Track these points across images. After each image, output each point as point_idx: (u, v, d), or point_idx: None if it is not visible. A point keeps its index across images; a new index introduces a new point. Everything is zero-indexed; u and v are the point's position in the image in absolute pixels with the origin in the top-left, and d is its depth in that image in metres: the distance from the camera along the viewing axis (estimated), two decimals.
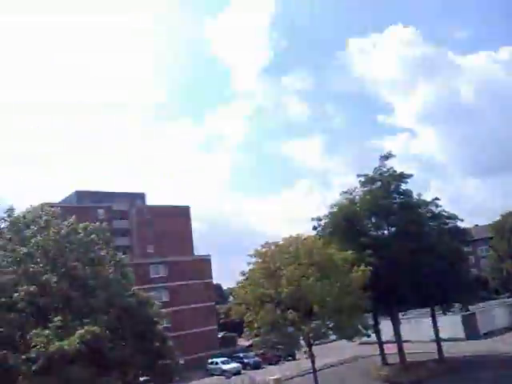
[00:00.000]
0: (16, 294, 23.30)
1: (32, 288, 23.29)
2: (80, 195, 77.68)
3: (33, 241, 25.94)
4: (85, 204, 73.45)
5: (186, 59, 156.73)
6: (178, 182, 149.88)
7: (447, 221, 43.17)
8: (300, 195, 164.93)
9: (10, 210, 28.22)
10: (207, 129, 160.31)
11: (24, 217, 28.14)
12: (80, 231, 27.65)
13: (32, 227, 27.58)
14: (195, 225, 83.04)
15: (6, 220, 27.91)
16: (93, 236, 27.66)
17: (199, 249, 79.23)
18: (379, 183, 43.49)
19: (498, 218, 73.41)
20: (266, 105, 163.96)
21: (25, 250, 25.56)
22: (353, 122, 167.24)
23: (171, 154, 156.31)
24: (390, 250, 38.51)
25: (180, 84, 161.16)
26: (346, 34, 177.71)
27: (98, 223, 29.75)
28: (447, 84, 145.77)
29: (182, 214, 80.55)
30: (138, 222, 77.73)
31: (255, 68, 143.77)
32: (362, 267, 32.92)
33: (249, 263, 35.27)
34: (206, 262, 66.40)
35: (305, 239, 35.18)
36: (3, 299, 23.51)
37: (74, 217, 28.62)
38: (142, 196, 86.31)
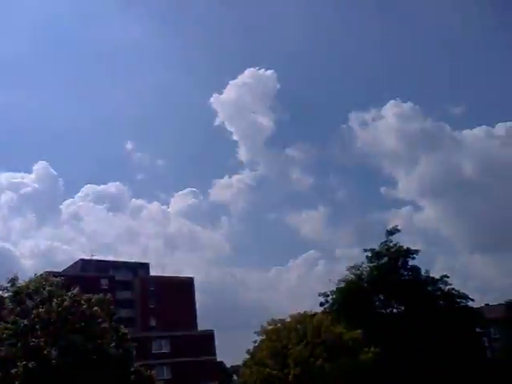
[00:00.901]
0: (14, 370, 22.47)
1: (31, 364, 22.50)
2: (85, 264, 77.21)
3: (34, 312, 25.41)
4: (89, 273, 72.77)
5: (192, 129, 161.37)
6: (181, 252, 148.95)
7: (458, 300, 42.19)
8: (304, 267, 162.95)
9: (14, 279, 27.91)
10: (211, 199, 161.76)
11: (27, 287, 27.77)
12: (83, 303, 27.14)
13: (35, 298, 27.17)
14: (198, 297, 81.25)
15: (9, 290, 27.54)
16: (96, 308, 27.12)
17: (202, 322, 77.23)
18: (386, 258, 43.14)
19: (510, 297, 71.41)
20: (269, 175, 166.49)
21: (26, 322, 24.98)
22: (356, 194, 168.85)
23: (175, 224, 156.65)
24: (400, 329, 37.36)
25: (184, 154, 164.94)
26: (347, 108, 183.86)
27: (101, 294, 29.34)
28: (448, 158, 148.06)
29: (185, 286, 79.29)
30: (142, 293, 76.48)
31: (259, 139, 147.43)
32: (372, 348, 31.73)
33: (254, 341, 34.18)
34: (209, 337, 64.47)
35: (312, 316, 34.22)
36: (1, 374, 22.65)
37: (77, 288, 28.23)
38: (146, 266, 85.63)
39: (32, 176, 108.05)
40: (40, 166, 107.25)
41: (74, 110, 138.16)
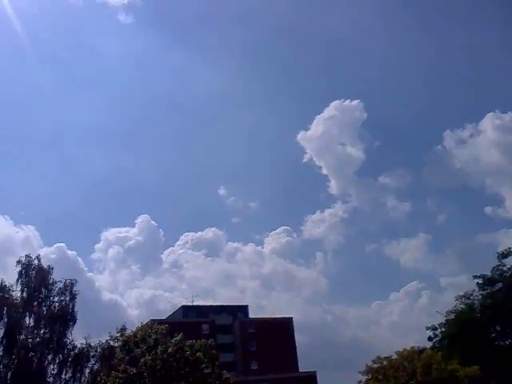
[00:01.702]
0: None
1: None
2: (186, 310, 79.51)
3: (142, 360, 26.40)
4: (190, 319, 74.67)
5: (281, 169, 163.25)
6: (278, 291, 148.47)
7: None
8: (407, 300, 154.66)
9: (122, 329, 29.40)
10: (304, 235, 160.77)
11: (135, 335, 29.05)
12: (187, 349, 27.78)
13: (141, 346, 28.28)
14: (298, 337, 79.79)
15: (118, 339, 28.97)
16: (199, 354, 27.62)
17: (303, 363, 75.52)
18: (500, 284, 39.51)
19: None
20: (363, 206, 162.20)
21: (134, 370, 25.99)
22: (458, 217, 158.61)
23: (270, 264, 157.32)
24: None
25: (275, 194, 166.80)
26: (440, 128, 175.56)
27: (203, 340, 29.88)
28: None
29: (285, 326, 78.39)
30: (241, 336, 76.80)
31: (349, 170, 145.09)
32: None
33: (359, 381, 32.67)
34: (311, 378, 62.74)
35: (420, 352, 32.17)
36: None
37: (181, 334, 29.03)
38: (244, 308, 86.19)
39: (135, 229, 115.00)
40: (142, 220, 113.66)
41: (167, 163, 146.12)
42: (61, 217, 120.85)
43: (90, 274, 78.04)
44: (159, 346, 27.08)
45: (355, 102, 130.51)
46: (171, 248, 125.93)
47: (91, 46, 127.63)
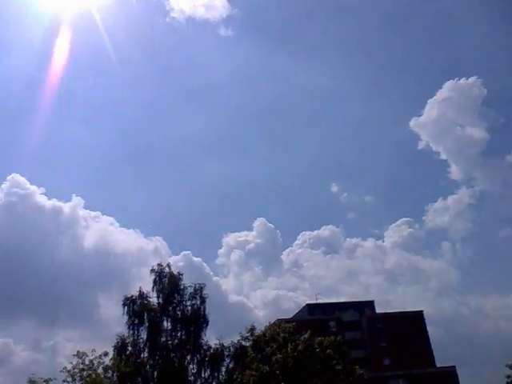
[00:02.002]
0: None
1: None
2: (311, 308, 79.87)
3: (274, 359, 27.03)
4: (316, 316, 74.86)
5: (395, 159, 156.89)
6: (404, 285, 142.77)
7: None
8: None
9: (252, 329, 30.42)
10: (427, 225, 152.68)
11: (264, 335, 29.85)
12: (316, 346, 27.89)
13: (271, 344, 28.96)
14: (430, 331, 75.91)
15: (249, 339, 30.02)
16: (329, 351, 27.57)
17: (439, 358, 71.66)
18: None
19: None
20: (491, 189, 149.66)
21: (267, 368, 26.70)
22: None
23: (392, 257, 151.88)
24: None
25: (391, 185, 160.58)
26: None
27: (332, 336, 29.78)
28: None
29: (415, 320, 75.10)
30: (370, 331, 75.11)
31: (472, 152, 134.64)
32: None
33: (508, 376, 30.11)
34: (451, 374, 59.25)
35: None
36: None
37: (309, 332, 29.21)
38: (370, 304, 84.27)
39: (253, 233, 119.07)
40: (259, 223, 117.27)
41: (277, 166, 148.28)
42: (184, 226, 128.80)
43: (215, 279, 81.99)
44: (289, 344, 27.52)
45: (472, 79, 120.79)
46: (290, 248, 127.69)
47: (198, 62, 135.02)
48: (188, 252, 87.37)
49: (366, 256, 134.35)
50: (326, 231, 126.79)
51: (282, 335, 28.98)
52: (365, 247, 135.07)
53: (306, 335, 29.06)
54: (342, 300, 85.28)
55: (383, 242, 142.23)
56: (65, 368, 26.33)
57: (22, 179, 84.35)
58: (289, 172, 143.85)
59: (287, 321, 38.36)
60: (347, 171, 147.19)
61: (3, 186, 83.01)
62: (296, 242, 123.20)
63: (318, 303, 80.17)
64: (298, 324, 34.63)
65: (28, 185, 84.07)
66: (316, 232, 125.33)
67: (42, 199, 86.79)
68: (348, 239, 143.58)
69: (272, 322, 34.00)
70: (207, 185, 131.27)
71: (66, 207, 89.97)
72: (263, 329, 30.88)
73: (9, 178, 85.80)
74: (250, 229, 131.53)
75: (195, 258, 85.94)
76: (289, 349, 27.14)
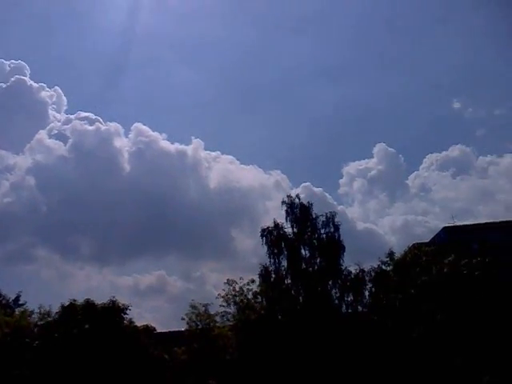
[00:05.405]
0: None
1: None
2: (448, 231, 76.53)
3: (418, 282, 26.63)
4: (456, 239, 71.76)
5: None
6: None
7: None
8: None
9: (390, 254, 30.14)
10: None
11: (404, 259, 29.45)
12: (463, 268, 26.82)
13: (413, 268, 28.48)
14: None
15: (389, 263, 29.86)
16: (477, 273, 26.39)
17: None
18: None
19: None
20: None
21: (412, 291, 26.45)
22: None
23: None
24: None
25: None
26: None
27: (479, 258, 28.35)
28: None
29: None
30: None
31: None
32: None
33: None
34: None
35: None
36: None
37: (452, 255, 28.13)
38: None
39: (374, 160, 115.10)
40: (378, 149, 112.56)
41: (391, 88, 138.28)
42: (302, 158, 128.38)
43: (340, 207, 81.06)
44: (433, 267, 26.81)
45: None
46: (416, 172, 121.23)
47: None
48: (308, 183, 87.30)
49: (500, 174, 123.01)
50: (454, 151, 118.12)
51: (424, 258, 28.30)
52: (500, 165, 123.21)
53: (451, 258, 27.99)
54: (481, 221, 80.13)
55: None
56: (219, 294, 28.90)
57: (144, 127, 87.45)
58: (404, 93, 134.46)
59: (426, 244, 37.21)
60: (468, 84, 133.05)
61: (130, 135, 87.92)
62: (422, 166, 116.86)
63: (456, 225, 76.45)
64: (437, 248, 33.48)
65: (150, 132, 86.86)
66: (444, 153, 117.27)
67: (165, 144, 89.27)
68: (481, 157, 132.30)
69: (408, 246, 33.22)
70: (320, 114, 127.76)
71: (189, 150, 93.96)
72: (402, 253, 30.43)
73: (132, 127, 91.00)
74: (370, 156, 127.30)
75: (316, 189, 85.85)
76: (434, 271, 26.45)
